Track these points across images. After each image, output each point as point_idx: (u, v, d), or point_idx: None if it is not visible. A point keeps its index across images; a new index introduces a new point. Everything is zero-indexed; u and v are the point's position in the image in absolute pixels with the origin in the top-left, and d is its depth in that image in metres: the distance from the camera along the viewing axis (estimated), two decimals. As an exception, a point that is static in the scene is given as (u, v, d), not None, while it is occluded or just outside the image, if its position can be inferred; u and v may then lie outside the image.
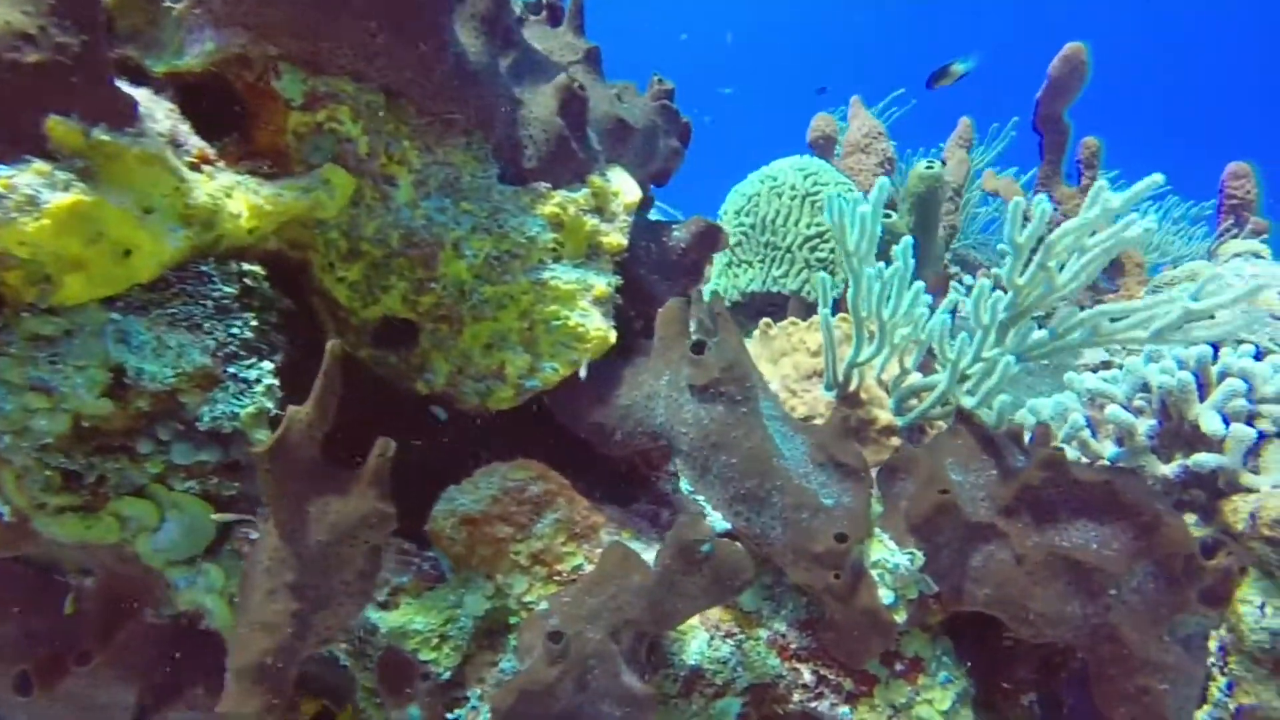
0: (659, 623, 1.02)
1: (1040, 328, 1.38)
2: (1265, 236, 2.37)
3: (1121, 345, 1.24)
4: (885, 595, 1.05)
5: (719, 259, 2.41)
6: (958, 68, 3.01)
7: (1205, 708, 1.53)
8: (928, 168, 2.17)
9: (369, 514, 0.89)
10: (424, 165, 1.06)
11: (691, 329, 1.19)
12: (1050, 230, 1.21)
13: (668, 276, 1.50)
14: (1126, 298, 2.24)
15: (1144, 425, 1.66)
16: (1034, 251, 1.23)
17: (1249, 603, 1.48)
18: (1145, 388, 1.72)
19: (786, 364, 1.33)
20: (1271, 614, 1.45)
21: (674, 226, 1.51)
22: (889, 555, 1.06)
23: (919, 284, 1.20)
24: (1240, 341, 1.87)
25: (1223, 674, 1.53)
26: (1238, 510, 1.52)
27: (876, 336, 1.20)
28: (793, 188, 2.25)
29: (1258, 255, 2.08)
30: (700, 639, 1.13)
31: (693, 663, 1.11)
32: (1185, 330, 1.20)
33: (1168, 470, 1.66)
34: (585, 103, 1.25)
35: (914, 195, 2.20)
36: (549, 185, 1.20)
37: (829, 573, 1.04)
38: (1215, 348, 1.79)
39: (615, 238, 1.26)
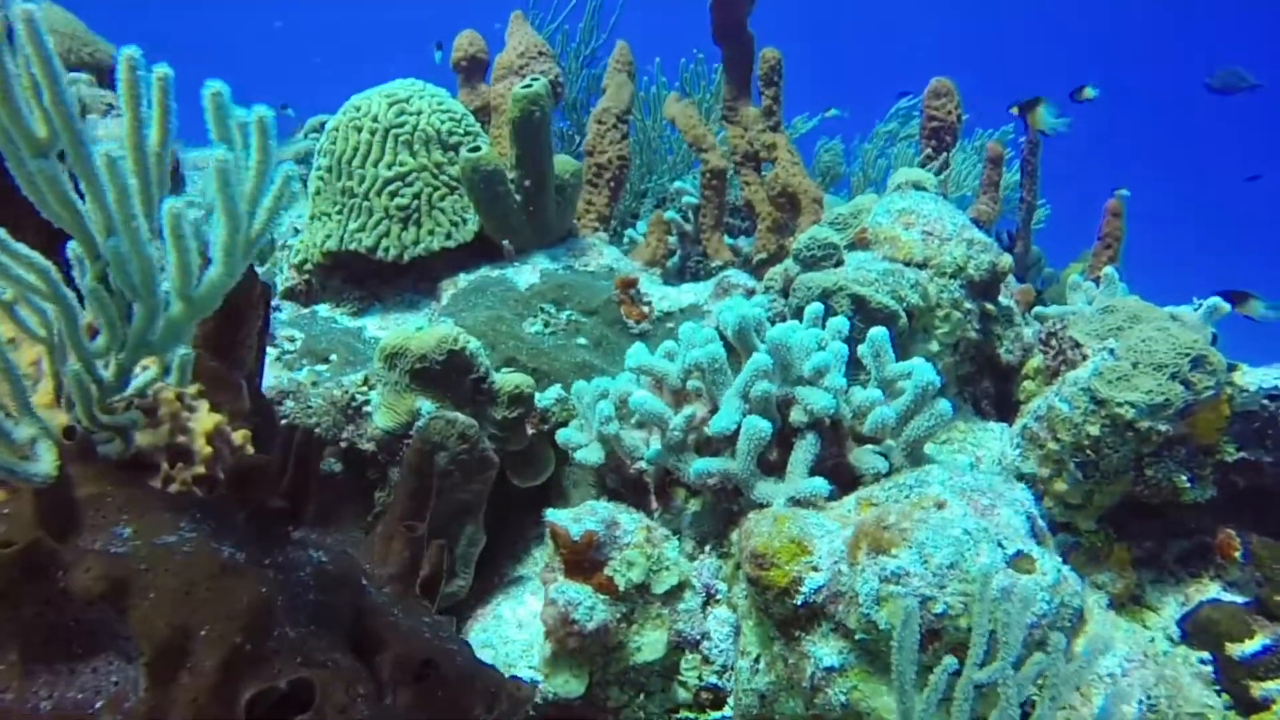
0: None
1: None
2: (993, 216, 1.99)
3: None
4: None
5: (305, 211, 1.93)
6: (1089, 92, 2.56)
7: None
8: (525, 87, 1.72)
9: None
10: None
11: None
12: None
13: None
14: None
15: (679, 416, 1.26)
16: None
17: (746, 654, 1.11)
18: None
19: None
20: (764, 669, 1.08)
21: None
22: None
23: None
24: (858, 299, 1.45)
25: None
26: (743, 534, 1.13)
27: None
28: (374, 120, 1.78)
29: (919, 186, 1.65)
30: None
31: None
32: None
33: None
34: None
35: (511, 122, 1.74)
36: None
37: None
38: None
39: None
